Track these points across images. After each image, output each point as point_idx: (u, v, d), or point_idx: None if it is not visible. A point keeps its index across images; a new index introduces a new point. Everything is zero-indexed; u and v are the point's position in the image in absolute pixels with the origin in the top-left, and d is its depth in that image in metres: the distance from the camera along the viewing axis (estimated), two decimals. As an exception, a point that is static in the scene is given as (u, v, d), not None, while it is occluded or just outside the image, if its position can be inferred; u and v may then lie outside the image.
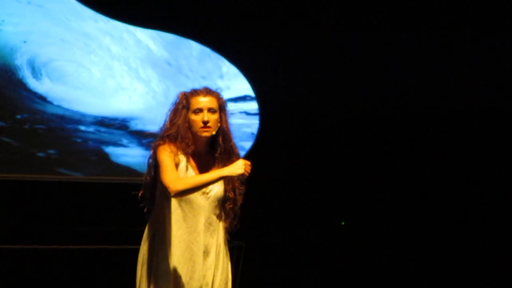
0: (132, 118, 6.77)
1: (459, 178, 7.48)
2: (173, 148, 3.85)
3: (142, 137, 6.69)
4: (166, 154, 3.81)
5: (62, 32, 6.62)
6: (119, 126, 6.70)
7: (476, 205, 7.45)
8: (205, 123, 3.86)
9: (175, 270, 3.83)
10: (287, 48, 7.21)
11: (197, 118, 3.87)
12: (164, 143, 3.87)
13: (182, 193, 3.75)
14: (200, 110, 3.87)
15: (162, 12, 6.92)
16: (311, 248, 7.14)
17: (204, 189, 3.84)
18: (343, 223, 7.38)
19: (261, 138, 7.16)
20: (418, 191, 7.47)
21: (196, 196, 3.85)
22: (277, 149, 7.02)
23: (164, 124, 3.96)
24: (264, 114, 7.24)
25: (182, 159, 3.86)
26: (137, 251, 3.99)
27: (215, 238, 3.91)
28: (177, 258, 3.83)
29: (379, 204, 7.40)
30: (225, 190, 3.94)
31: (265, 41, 7.14)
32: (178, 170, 3.84)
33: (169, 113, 3.97)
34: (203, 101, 3.89)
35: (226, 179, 3.92)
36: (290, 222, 7.12)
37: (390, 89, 7.39)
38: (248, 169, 3.73)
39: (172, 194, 3.72)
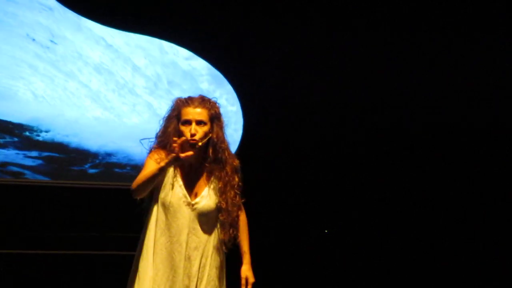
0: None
1: (455, 180, 7.49)
2: (163, 154, 3.85)
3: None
4: (152, 158, 3.84)
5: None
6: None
7: (474, 206, 7.46)
8: (191, 135, 3.84)
9: (155, 277, 3.85)
10: (272, 52, 7.23)
11: (185, 130, 3.86)
12: (156, 149, 3.90)
13: (137, 191, 3.75)
14: (188, 122, 3.87)
15: (143, 17, 6.96)
16: (302, 251, 7.20)
17: (189, 200, 3.87)
18: (326, 231, 7.41)
19: (244, 142, 7.18)
20: (410, 192, 7.49)
21: (181, 206, 3.86)
22: (261, 153, 7.00)
23: (159, 130, 3.97)
24: (247, 118, 7.26)
25: (173, 170, 3.87)
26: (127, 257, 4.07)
27: (201, 250, 3.90)
28: (157, 265, 3.85)
29: (370, 205, 7.43)
30: (218, 202, 3.93)
31: (249, 46, 7.16)
32: (166, 177, 3.87)
33: (164, 118, 3.97)
34: (192, 113, 3.87)
35: (220, 190, 3.92)
36: (276, 226, 7.15)
37: (380, 91, 7.42)
38: (176, 147, 3.63)
39: (132, 194, 3.76)
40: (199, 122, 3.87)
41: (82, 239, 6.63)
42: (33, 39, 6.90)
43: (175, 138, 3.69)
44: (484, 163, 7.50)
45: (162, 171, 3.72)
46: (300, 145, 7.34)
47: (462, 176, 7.48)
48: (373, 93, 7.44)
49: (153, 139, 3.97)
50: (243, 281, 3.99)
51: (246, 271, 4.00)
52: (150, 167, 3.79)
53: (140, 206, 3.95)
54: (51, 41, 6.96)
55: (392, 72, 7.39)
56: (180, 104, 3.91)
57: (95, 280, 6.48)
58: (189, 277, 3.87)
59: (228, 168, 3.94)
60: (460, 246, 7.37)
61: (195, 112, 3.87)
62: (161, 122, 3.97)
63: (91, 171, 6.78)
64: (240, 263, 4.01)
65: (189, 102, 3.89)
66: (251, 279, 3.98)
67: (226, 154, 3.96)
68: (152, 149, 3.92)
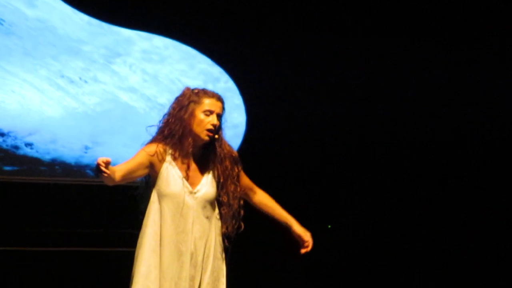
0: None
1: (456, 180, 7.51)
2: (161, 148, 3.89)
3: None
4: (147, 150, 3.87)
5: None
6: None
7: (475, 206, 7.46)
8: (214, 126, 3.90)
9: (166, 270, 3.84)
10: (275, 47, 7.24)
11: (205, 119, 3.89)
12: (155, 141, 3.92)
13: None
14: (211, 113, 3.90)
15: (149, 15, 6.97)
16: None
17: (191, 189, 3.89)
18: (329, 226, 7.39)
19: (247, 137, 7.20)
20: (411, 191, 7.49)
21: (184, 196, 3.88)
22: (263, 153, 7.02)
23: (166, 117, 3.96)
24: (250, 113, 7.28)
25: (170, 160, 3.90)
26: (126, 254, 4.09)
27: (204, 240, 3.91)
28: (166, 257, 3.84)
29: (372, 202, 7.44)
30: (218, 195, 3.97)
31: (253, 45, 7.17)
32: (164, 169, 3.87)
33: (173, 105, 3.96)
34: (215, 105, 3.92)
35: (220, 184, 3.96)
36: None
37: (381, 93, 7.44)
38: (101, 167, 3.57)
39: None
40: (218, 115, 3.93)
41: (85, 235, 6.65)
42: (62, 76, 6.85)
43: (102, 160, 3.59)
44: (486, 164, 7.52)
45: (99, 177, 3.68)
46: (303, 141, 7.33)
47: (464, 177, 7.49)
48: (376, 92, 7.44)
49: (156, 128, 3.98)
50: (305, 237, 4.03)
51: (299, 228, 4.04)
52: (136, 158, 3.84)
53: (139, 197, 3.98)
54: (81, 78, 6.90)
55: (395, 70, 7.40)
56: (199, 93, 3.94)
57: (96, 276, 6.50)
58: (194, 267, 3.88)
59: (227, 162, 3.98)
60: (461, 246, 7.37)
61: (217, 105, 3.93)
62: (169, 109, 3.96)
63: (7, 168, 6.71)
64: (287, 231, 4.03)
65: (209, 93, 3.95)
66: (308, 232, 4.04)
67: (227, 147, 4.01)
68: (154, 141, 3.93)
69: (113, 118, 6.93)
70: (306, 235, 4.05)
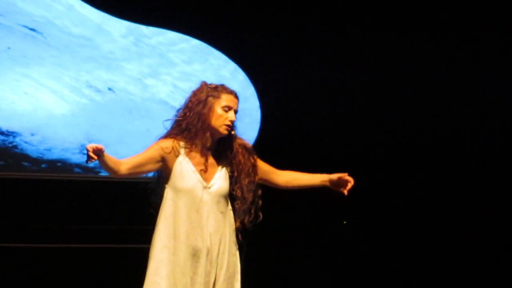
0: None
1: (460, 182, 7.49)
2: (176, 143, 3.91)
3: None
4: (160, 144, 3.89)
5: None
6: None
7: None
8: (232, 122, 3.95)
9: (179, 265, 3.85)
10: (291, 46, 7.24)
11: (224, 114, 3.93)
12: (171, 135, 3.94)
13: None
14: (229, 108, 3.95)
15: (158, 8, 6.99)
16: (313, 246, 7.17)
17: (205, 184, 3.92)
18: (344, 222, 7.39)
19: (262, 136, 7.17)
20: (418, 190, 7.45)
21: (198, 191, 3.90)
22: (277, 148, 6.92)
23: (183, 111, 3.98)
24: (265, 111, 7.28)
25: (184, 155, 3.91)
26: (138, 250, 4.14)
27: (219, 235, 3.93)
28: (182, 253, 3.86)
29: (380, 203, 7.40)
30: (232, 189, 4.00)
31: (267, 38, 7.16)
32: (177, 164, 3.88)
33: (190, 99, 3.98)
34: (234, 102, 3.98)
35: (234, 178, 3.99)
36: (293, 221, 7.12)
37: (390, 90, 7.41)
38: (90, 153, 3.60)
39: None
40: (235, 111, 3.99)
41: (97, 232, 6.64)
42: (90, 86, 6.87)
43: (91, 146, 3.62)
44: (486, 164, 7.51)
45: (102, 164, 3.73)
46: (316, 138, 7.32)
47: (464, 177, 7.48)
48: (379, 91, 7.44)
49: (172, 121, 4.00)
50: (342, 175, 4.08)
51: (334, 175, 4.10)
52: (148, 152, 3.87)
53: (152, 193, 3.99)
54: (110, 88, 6.94)
55: (409, 66, 7.40)
56: (218, 88, 3.98)
57: (109, 273, 6.52)
58: (210, 263, 3.90)
59: (240, 156, 4.02)
60: (461, 246, 7.37)
61: (235, 102, 3.99)
62: (186, 103, 3.98)
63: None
64: (324, 189, 4.12)
65: (228, 89, 4.00)
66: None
67: (240, 141, 4.05)
68: (169, 135, 3.95)
69: (134, 121, 6.98)
70: (343, 174, 4.09)
